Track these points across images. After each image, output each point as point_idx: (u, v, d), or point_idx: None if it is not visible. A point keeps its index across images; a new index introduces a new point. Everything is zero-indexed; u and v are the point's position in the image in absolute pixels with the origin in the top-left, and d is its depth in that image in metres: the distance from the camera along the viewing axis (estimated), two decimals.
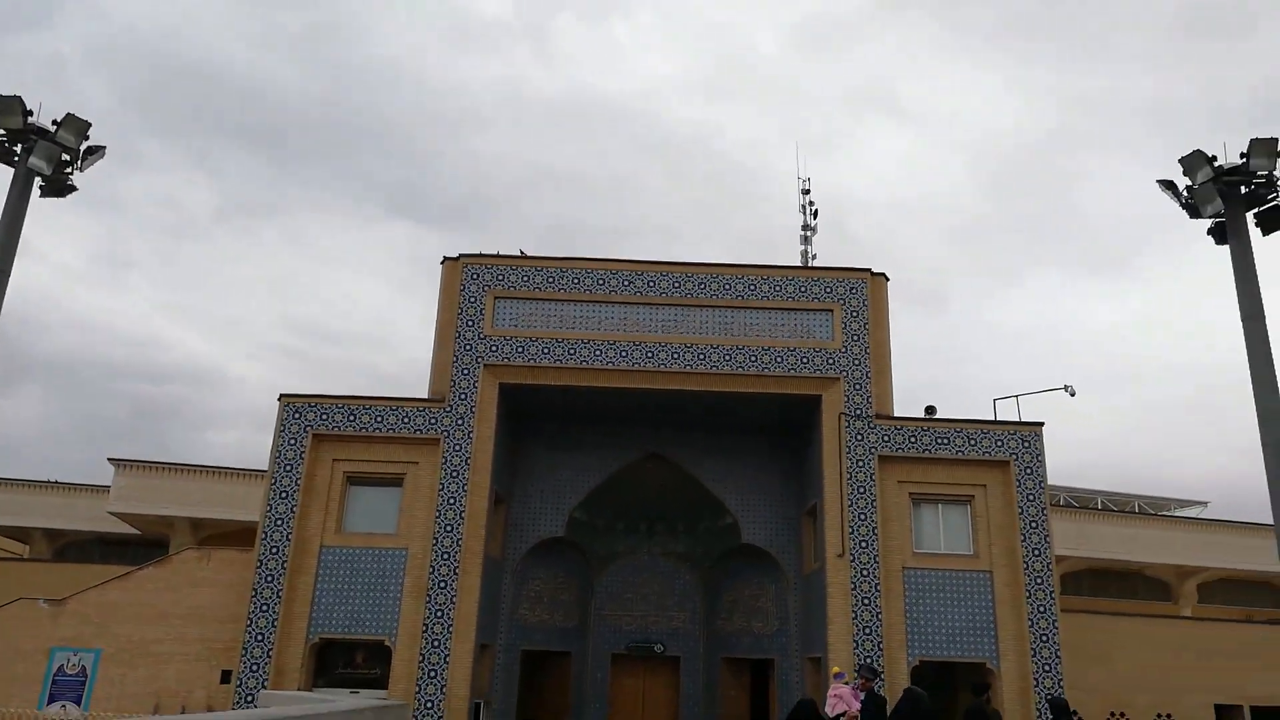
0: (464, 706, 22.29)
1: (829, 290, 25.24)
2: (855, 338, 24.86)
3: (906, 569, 23.27)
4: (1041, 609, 22.73)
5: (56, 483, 34.19)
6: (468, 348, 24.49)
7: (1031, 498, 23.61)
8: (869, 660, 21.45)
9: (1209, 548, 34.03)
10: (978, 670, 23.56)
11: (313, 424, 23.80)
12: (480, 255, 25.61)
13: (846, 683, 15.21)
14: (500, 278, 25.13)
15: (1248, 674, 27.00)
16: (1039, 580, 22.93)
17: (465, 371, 24.30)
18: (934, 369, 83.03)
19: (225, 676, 22.95)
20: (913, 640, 22.77)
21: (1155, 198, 21.75)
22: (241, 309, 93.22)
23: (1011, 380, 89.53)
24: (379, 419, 23.95)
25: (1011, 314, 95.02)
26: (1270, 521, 14.81)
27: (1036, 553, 23.14)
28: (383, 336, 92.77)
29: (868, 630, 22.44)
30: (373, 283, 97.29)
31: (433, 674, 22.29)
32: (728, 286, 25.17)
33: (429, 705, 22.03)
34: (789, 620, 26.61)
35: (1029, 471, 23.83)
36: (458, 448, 23.74)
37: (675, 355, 24.51)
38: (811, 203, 36.06)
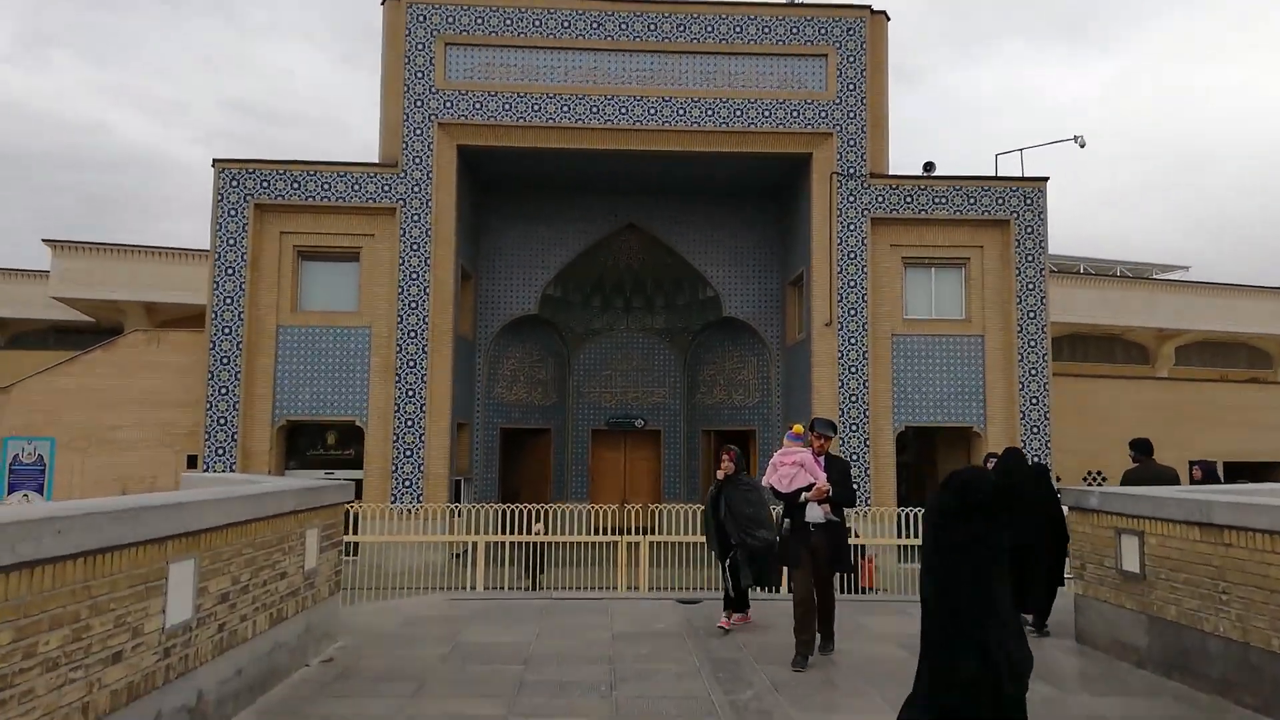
0: (443, 484, 21.28)
1: (823, 32, 22.02)
2: (850, 87, 21.97)
3: (895, 336, 21.81)
4: (1033, 372, 21.58)
5: (1, 269, 31.48)
6: (418, 103, 21.40)
7: (1030, 258, 21.83)
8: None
9: (1189, 310, 33.07)
10: (962, 435, 22.83)
11: (253, 193, 21.07)
12: None
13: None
14: (450, 19, 21.58)
15: (1221, 431, 26.67)
16: (1032, 343, 21.61)
17: (418, 131, 21.35)
18: (912, 143, 79.46)
19: (191, 462, 21.65)
20: (899, 407, 21.71)
21: None
22: (179, 89, 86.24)
23: (989, 153, 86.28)
24: (326, 187, 21.24)
25: (983, 87, 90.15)
26: (1248, 284, 13.06)
27: (1032, 315, 21.68)
28: (336, 118, 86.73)
29: (854, 398, 21.29)
30: (320, 57, 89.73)
31: (408, 453, 21.08)
32: (710, 28, 21.86)
33: (407, 483, 20.99)
34: (771, 392, 25.52)
35: (1029, 231, 21.90)
36: (416, 217, 21.26)
37: (652, 110, 21.62)
38: None
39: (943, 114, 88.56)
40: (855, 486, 20.80)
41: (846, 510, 7.62)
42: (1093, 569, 7.27)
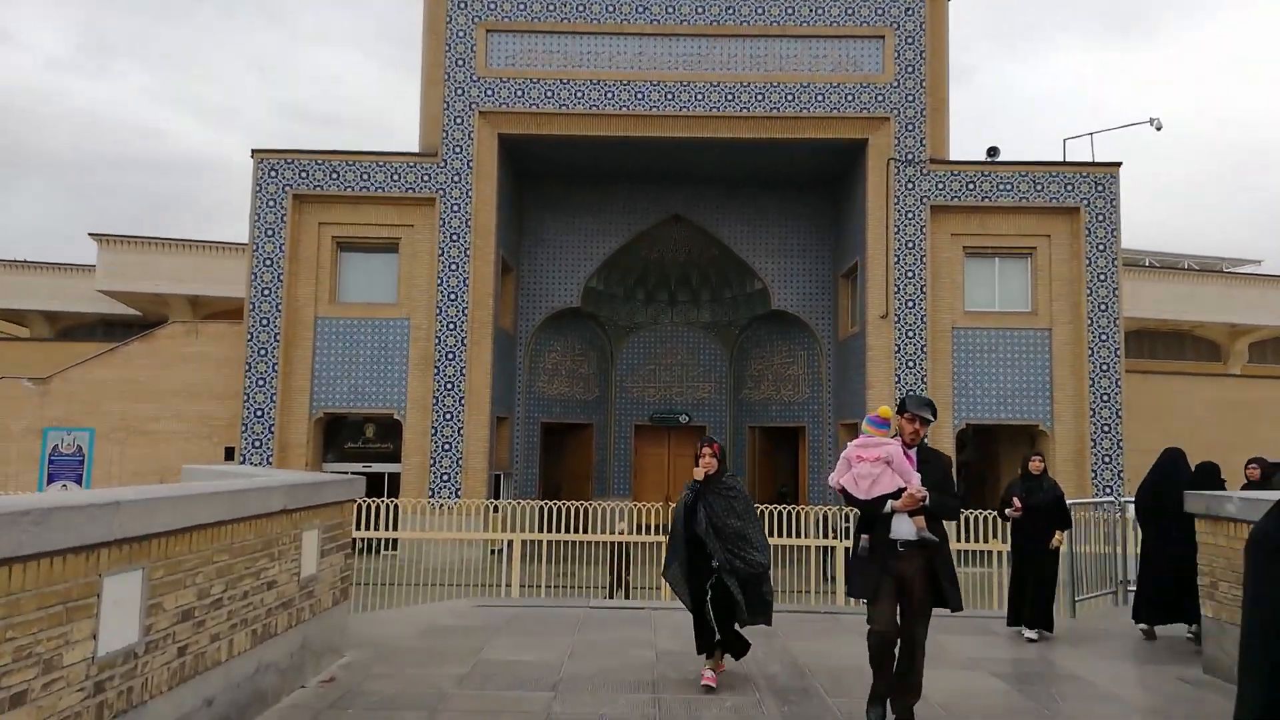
0: (482, 478, 20.46)
1: (880, 12, 20.72)
2: (909, 69, 20.65)
3: (956, 329, 20.44)
4: (1104, 368, 20.04)
5: (50, 263, 31.50)
6: (459, 92, 20.58)
7: (1102, 248, 20.30)
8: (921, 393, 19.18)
9: (1264, 305, 31.01)
10: (1026, 433, 21.36)
11: (292, 183, 20.44)
12: None
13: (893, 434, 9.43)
14: (492, 6, 20.72)
15: None
16: (1104, 337, 20.08)
17: (458, 120, 20.54)
18: (963, 139, 77.02)
19: (229, 454, 21.13)
20: (959, 403, 20.34)
21: None
22: (232, 95, 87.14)
23: (1044, 151, 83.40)
24: (365, 177, 20.53)
25: (1032, 84, 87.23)
26: None
27: (1103, 308, 20.14)
28: (383, 121, 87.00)
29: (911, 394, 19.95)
30: (367, 62, 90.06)
31: (446, 447, 20.29)
32: (760, 10, 20.69)
33: (445, 478, 20.21)
34: (821, 388, 24.25)
35: (1101, 218, 20.37)
36: (456, 208, 20.46)
37: (699, 96, 20.53)
38: None
39: (993, 110, 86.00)
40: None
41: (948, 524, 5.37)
42: (1227, 588, 6.06)
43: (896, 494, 5.00)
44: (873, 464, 5.10)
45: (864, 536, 5.14)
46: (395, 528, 18.37)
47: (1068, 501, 8.48)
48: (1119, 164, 20.59)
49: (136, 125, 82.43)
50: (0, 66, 79.20)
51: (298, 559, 5.42)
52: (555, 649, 6.75)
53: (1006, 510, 8.17)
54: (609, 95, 20.51)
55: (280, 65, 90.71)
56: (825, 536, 16.32)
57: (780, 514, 13.32)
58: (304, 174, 20.47)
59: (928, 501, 5.00)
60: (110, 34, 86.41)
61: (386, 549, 19.75)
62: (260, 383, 20.22)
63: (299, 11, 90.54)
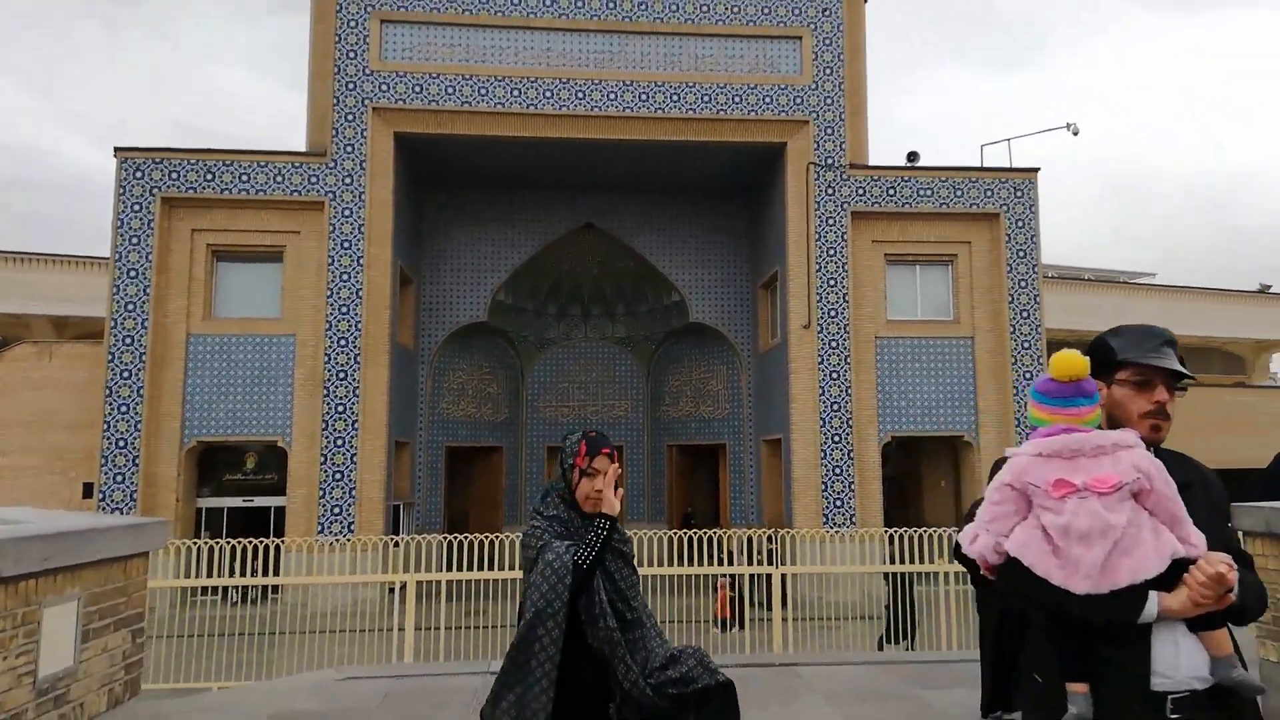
0: (379, 510, 18.30)
1: (797, 11, 19.72)
2: (827, 71, 19.70)
3: (879, 338, 19.45)
4: (1027, 376, 19.32)
5: None
6: (350, 86, 18.60)
7: (1022, 254, 19.67)
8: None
9: (1164, 318, 31.48)
10: (950, 444, 20.52)
11: (160, 185, 18.04)
12: None
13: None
14: None
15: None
16: (1026, 345, 19.40)
17: (349, 117, 18.54)
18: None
19: (88, 490, 18.41)
20: (884, 416, 19.30)
21: None
22: (123, 112, 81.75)
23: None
24: (244, 178, 18.28)
25: (918, 111, 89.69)
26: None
27: (1025, 315, 19.48)
28: (282, 139, 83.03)
29: (835, 406, 18.82)
30: (264, 80, 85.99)
31: (338, 476, 18.08)
32: (675, 6, 19.44)
33: (336, 510, 17.98)
34: (742, 403, 22.96)
35: (1021, 224, 19.75)
36: (347, 212, 18.40)
37: (612, 95, 19.10)
38: None
39: (882, 139, 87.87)
40: (839, 503, 17.41)
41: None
42: None
43: (1170, 574, 2.00)
44: (1107, 499, 2.01)
45: (1075, 691, 2.06)
46: (276, 572, 16.17)
47: None
48: (1037, 169, 20.06)
49: (15, 144, 76.34)
50: None
51: (31, 650, 3.54)
52: None
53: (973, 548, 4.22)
54: (515, 93, 18.88)
55: (172, 83, 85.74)
56: (752, 562, 14.88)
57: (695, 540, 11.81)
58: (175, 175, 18.09)
59: (1235, 591, 1.98)
60: None
61: (272, 592, 17.46)
62: (123, 410, 17.64)
63: (190, 30, 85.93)
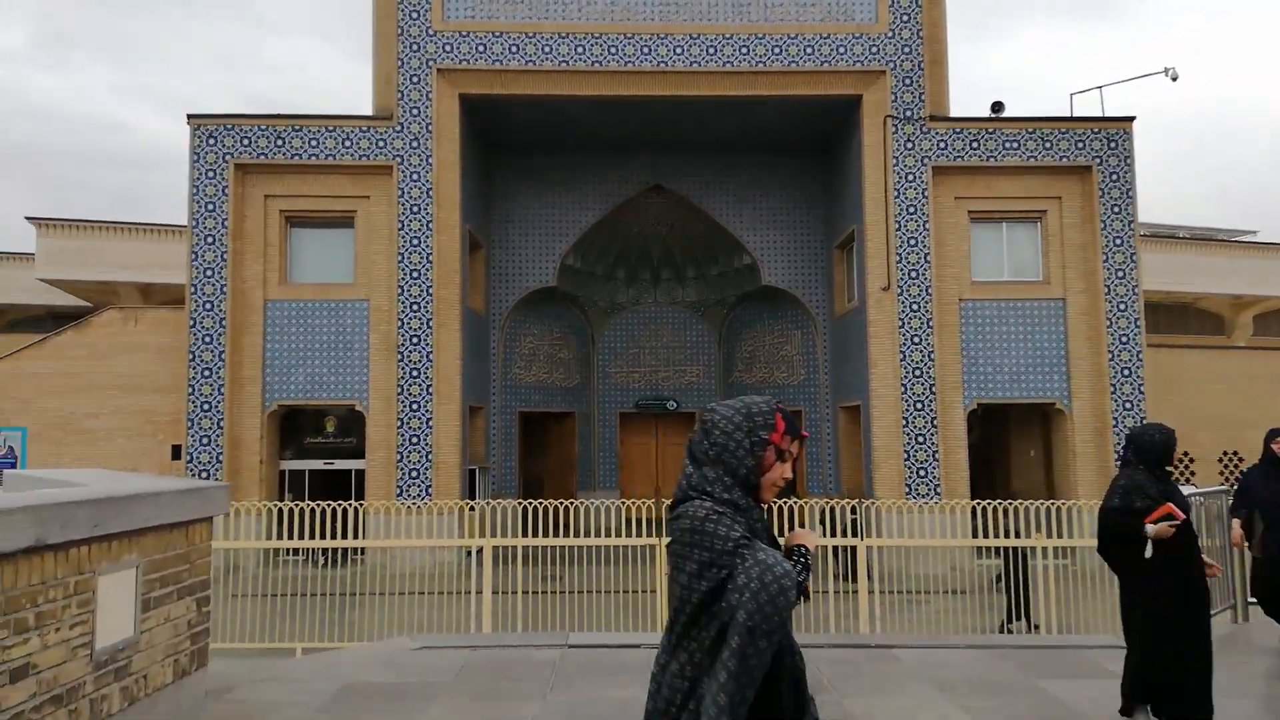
0: (455, 474, 18.31)
1: None
2: (905, 18, 18.60)
3: (963, 301, 18.50)
4: (1124, 340, 18.18)
5: None
6: (414, 47, 18.33)
7: (1117, 210, 18.40)
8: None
9: (1270, 276, 29.36)
10: (1040, 412, 19.51)
11: (233, 151, 18.14)
12: None
13: None
14: None
15: None
16: (1122, 307, 18.20)
17: (414, 79, 18.30)
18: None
19: (176, 452, 18.89)
20: (969, 382, 18.41)
21: None
22: (198, 88, 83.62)
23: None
24: (314, 143, 18.25)
25: (997, 68, 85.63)
26: None
27: (1120, 275, 18.25)
28: (354, 109, 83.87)
29: (918, 372, 18.01)
30: (334, 51, 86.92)
31: (415, 440, 18.13)
32: None
33: (414, 474, 18.05)
34: (817, 369, 22.26)
35: (1115, 178, 18.46)
36: (415, 176, 18.24)
37: (678, 50, 18.40)
38: None
39: (963, 91, 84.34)
40: (923, 472, 16.42)
41: None
42: None
43: None
44: None
45: None
46: (360, 534, 16.31)
47: (1196, 493, 6.45)
48: (1133, 118, 18.66)
49: (100, 119, 79.08)
50: None
51: (86, 620, 3.33)
52: None
53: (1157, 525, 4.05)
54: (579, 50, 18.34)
55: (244, 56, 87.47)
56: (837, 534, 14.37)
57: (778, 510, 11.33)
58: (246, 141, 18.16)
59: None
60: (67, 26, 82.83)
61: (355, 554, 17.68)
62: (206, 373, 17.97)
63: (261, 2, 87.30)
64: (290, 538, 13.54)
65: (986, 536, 12.14)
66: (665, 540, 2.21)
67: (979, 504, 11.52)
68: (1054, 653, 6.13)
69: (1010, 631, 10.84)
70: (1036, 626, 10.66)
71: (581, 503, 11.86)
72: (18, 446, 18.96)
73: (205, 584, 4.23)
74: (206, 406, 17.94)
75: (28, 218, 25.18)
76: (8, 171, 75.83)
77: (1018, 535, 11.02)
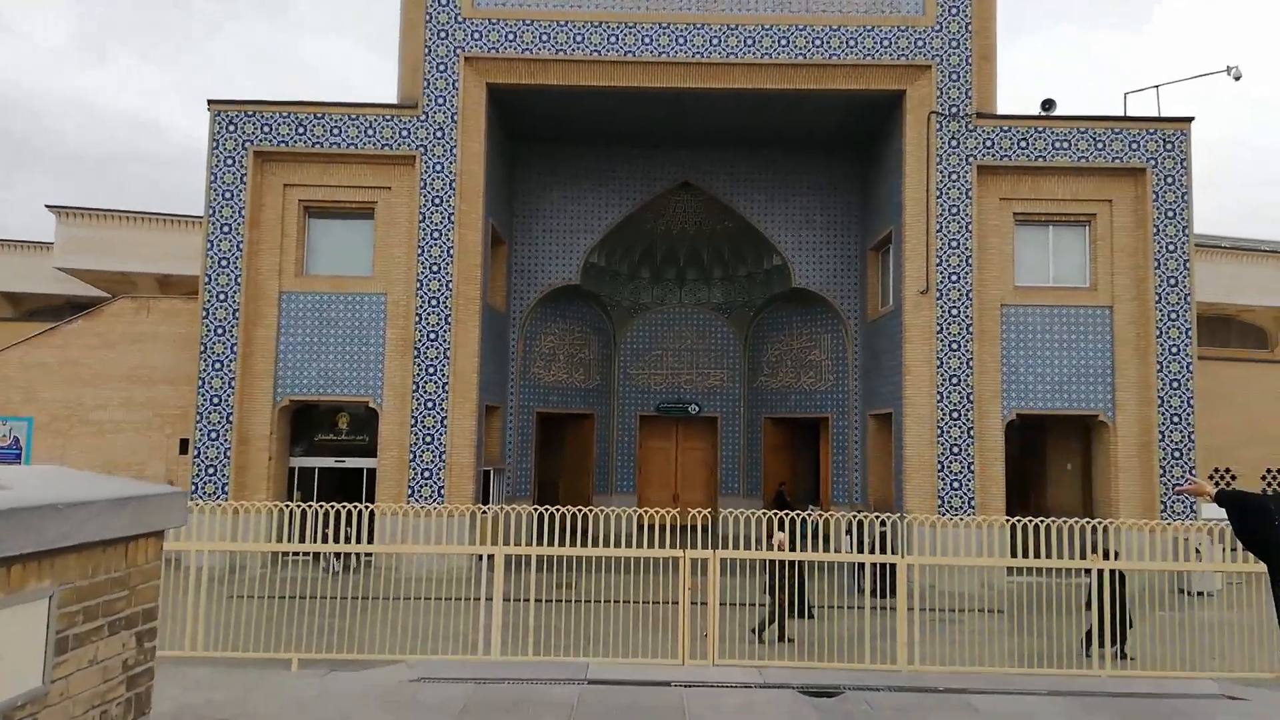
0: (469, 475, 17.51)
1: None
2: (953, 10, 17.65)
3: (1005, 306, 17.47)
4: (1174, 350, 17.09)
5: (11, 240, 28.50)
6: (442, 35, 17.58)
7: (1171, 215, 17.33)
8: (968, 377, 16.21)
9: None
10: (1080, 424, 18.45)
11: (253, 138, 17.46)
12: None
13: None
14: None
15: None
16: (1174, 316, 17.12)
17: (441, 67, 17.55)
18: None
19: (184, 446, 18.24)
20: (1009, 391, 17.38)
21: None
22: (230, 88, 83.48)
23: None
24: (335, 132, 17.54)
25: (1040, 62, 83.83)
26: None
27: (1173, 283, 17.17)
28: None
29: (955, 379, 17.01)
30: (367, 53, 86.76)
31: (428, 439, 17.34)
32: None
33: (426, 474, 17.26)
34: (847, 374, 21.28)
35: (1170, 181, 17.39)
36: (439, 167, 17.48)
37: (714, 40, 17.55)
38: None
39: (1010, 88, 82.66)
40: (957, 485, 15.37)
41: None
42: None
43: None
44: None
45: None
46: (370, 536, 15.58)
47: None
48: (1191, 119, 17.59)
49: (136, 117, 79.25)
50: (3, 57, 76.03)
51: None
52: None
53: None
54: (611, 39, 17.52)
55: (275, 54, 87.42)
56: (863, 550, 13.35)
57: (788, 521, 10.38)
58: (266, 128, 17.48)
59: None
60: (106, 23, 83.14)
61: (364, 556, 16.93)
62: (217, 366, 17.27)
63: (294, 1, 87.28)
64: (299, 540, 12.80)
65: (1025, 556, 11.17)
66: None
67: (1020, 521, 10.52)
68: (1152, 704, 5.17)
69: (1089, 655, 9.90)
70: (1129, 656, 9.76)
71: (599, 510, 11.02)
72: (23, 437, 18.36)
73: (151, 613, 3.40)
74: (216, 400, 17.23)
75: (47, 205, 24.69)
76: (43, 166, 76.17)
77: (1115, 556, 10.07)
